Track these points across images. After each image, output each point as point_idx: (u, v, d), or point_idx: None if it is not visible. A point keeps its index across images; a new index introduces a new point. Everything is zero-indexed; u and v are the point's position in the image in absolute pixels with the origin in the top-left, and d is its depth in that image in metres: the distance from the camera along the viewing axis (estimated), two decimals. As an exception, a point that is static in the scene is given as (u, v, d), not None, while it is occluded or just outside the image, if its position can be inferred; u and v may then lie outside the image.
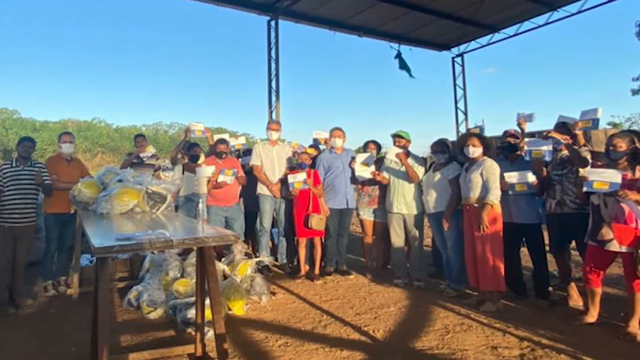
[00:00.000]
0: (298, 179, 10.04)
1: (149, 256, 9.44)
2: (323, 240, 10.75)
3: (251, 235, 12.03)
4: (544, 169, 8.31)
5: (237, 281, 8.68)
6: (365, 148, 10.93)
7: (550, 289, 8.70)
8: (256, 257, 10.39)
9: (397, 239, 9.99)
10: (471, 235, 8.32)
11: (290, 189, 10.08)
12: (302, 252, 10.53)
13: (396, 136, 10.10)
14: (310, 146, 11.70)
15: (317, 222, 10.05)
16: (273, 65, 21.44)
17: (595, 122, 7.93)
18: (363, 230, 10.92)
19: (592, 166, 7.39)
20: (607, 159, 7.10)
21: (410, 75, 24.83)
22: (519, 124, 8.90)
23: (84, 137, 61.44)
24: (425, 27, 23.42)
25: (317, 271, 10.44)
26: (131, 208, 6.79)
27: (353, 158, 10.56)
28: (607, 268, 7.27)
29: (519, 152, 8.83)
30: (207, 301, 5.81)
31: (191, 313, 7.09)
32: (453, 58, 28.05)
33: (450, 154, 9.30)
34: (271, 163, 10.88)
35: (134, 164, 11.30)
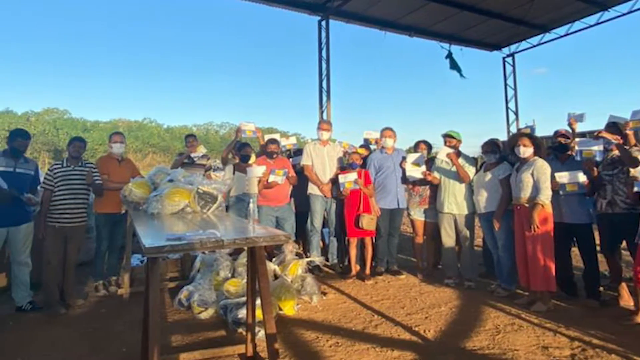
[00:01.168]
0: (349, 179, 9.97)
1: (200, 256, 9.47)
2: (374, 240, 10.66)
3: (302, 235, 11.92)
4: (595, 169, 8.22)
5: (288, 281, 8.69)
6: (416, 148, 10.90)
7: (601, 289, 8.63)
8: (307, 257, 10.31)
9: (448, 239, 9.95)
10: (522, 235, 8.28)
11: (341, 189, 10.03)
12: (353, 252, 10.47)
13: (447, 136, 10.12)
14: (361, 146, 11.74)
15: (368, 222, 9.99)
16: (324, 65, 21.42)
17: None
18: (414, 230, 10.84)
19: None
20: None
21: (461, 75, 24.76)
22: (569, 124, 8.83)
23: (134, 137, 61.77)
24: (475, 27, 23.33)
25: (367, 271, 10.37)
26: (182, 208, 6.76)
27: (404, 158, 10.56)
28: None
29: (569, 152, 8.73)
30: (258, 301, 5.57)
31: (242, 313, 7.11)
32: (504, 58, 27.89)
33: (501, 154, 9.26)
34: (322, 163, 10.85)
35: (185, 164, 11.33)
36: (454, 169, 9.73)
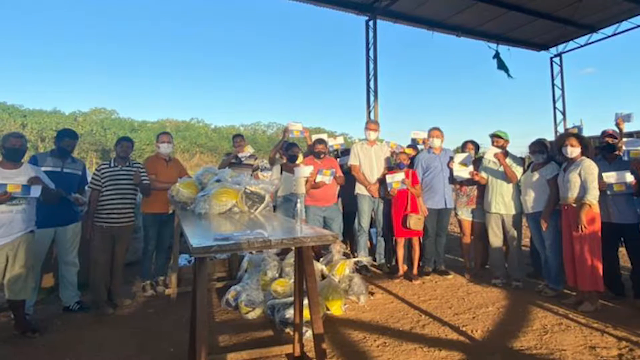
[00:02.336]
0: (396, 179, 9.92)
1: (248, 256, 9.47)
2: (421, 240, 10.60)
3: (349, 235, 11.94)
4: (643, 169, 8.10)
5: (336, 281, 8.64)
6: (463, 148, 10.86)
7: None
8: (354, 257, 10.36)
9: (496, 238, 9.88)
10: (569, 235, 8.19)
11: (389, 189, 9.96)
12: (401, 252, 10.38)
13: (494, 136, 10.01)
14: (409, 146, 11.64)
15: (416, 222, 9.90)
16: (371, 66, 21.44)
17: None
18: (461, 230, 10.81)
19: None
20: None
21: (509, 75, 24.59)
22: (617, 124, 8.80)
23: (182, 137, 62.29)
24: (523, 27, 23.22)
25: (415, 271, 10.32)
26: (229, 208, 6.72)
27: (451, 158, 10.47)
28: None
29: (617, 152, 8.63)
30: (306, 301, 5.75)
31: (289, 313, 7.09)
32: (551, 58, 27.77)
33: (548, 154, 9.16)
34: (369, 163, 10.77)
35: (233, 164, 11.37)
36: (501, 169, 9.63)
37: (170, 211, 9.29)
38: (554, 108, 27.63)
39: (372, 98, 21.30)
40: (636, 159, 8.12)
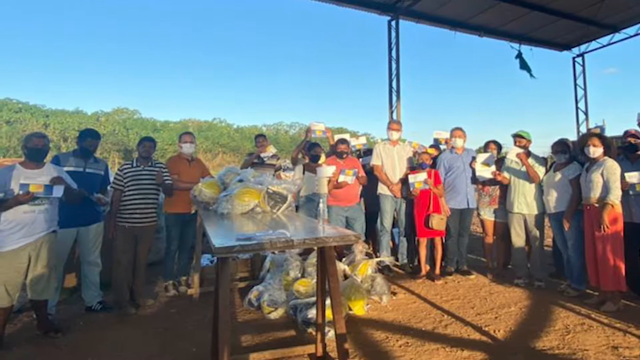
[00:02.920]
0: (419, 179, 9.92)
1: (270, 256, 9.45)
2: (444, 240, 10.54)
3: (372, 235, 11.80)
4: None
5: (358, 281, 8.63)
6: (485, 148, 10.84)
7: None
8: (377, 257, 10.31)
9: (518, 238, 9.86)
10: (592, 235, 8.19)
11: (411, 189, 9.99)
12: (423, 252, 10.38)
13: (517, 136, 9.95)
14: (431, 146, 11.67)
15: (438, 222, 9.90)
16: (394, 65, 21.41)
17: None
18: (484, 230, 10.79)
19: None
20: None
21: (531, 75, 24.50)
22: (639, 124, 8.66)
23: (204, 137, 62.41)
24: (545, 27, 23.11)
25: (437, 271, 10.29)
26: (252, 208, 6.69)
27: (474, 158, 10.44)
28: None
29: (639, 152, 8.53)
30: (328, 301, 5.73)
31: (312, 313, 7.08)
32: (574, 58, 27.61)
33: (571, 154, 9.13)
34: (392, 163, 10.76)
35: (255, 164, 11.37)
36: (523, 169, 9.60)
37: (193, 211, 9.28)
38: (577, 108, 27.56)
39: (394, 98, 21.28)
40: None
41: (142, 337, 7.17)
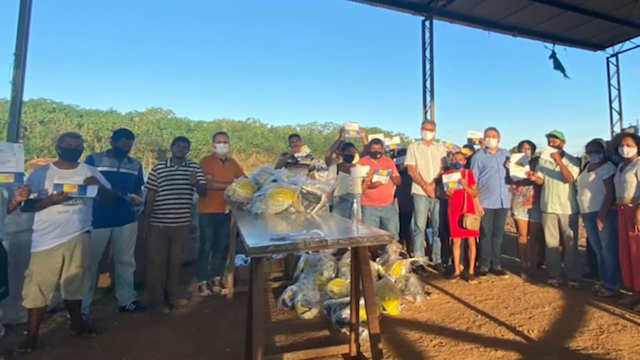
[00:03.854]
0: (452, 179, 9.86)
1: (304, 256, 9.45)
2: (477, 240, 10.49)
3: (406, 235, 11.76)
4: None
5: (392, 281, 8.57)
6: (519, 148, 10.76)
7: None
8: (411, 257, 10.25)
9: (552, 238, 9.79)
10: (626, 235, 8.14)
11: (445, 189, 9.92)
12: (457, 252, 10.32)
13: (551, 136, 9.90)
14: (465, 146, 11.61)
15: (472, 222, 9.84)
16: (427, 65, 21.36)
17: None
18: (517, 230, 10.72)
19: None
20: None
21: (565, 75, 24.32)
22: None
23: (238, 137, 62.49)
24: (579, 27, 22.87)
25: (471, 271, 10.24)
26: (286, 208, 6.65)
27: (507, 158, 10.36)
28: None
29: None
30: (362, 301, 5.75)
31: (346, 313, 7.08)
32: (607, 58, 27.28)
33: (604, 154, 9.08)
34: (426, 163, 10.72)
35: (289, 164, 11.31)
36: (557, 169, 9.53)
37: (227, 211, 9.24)
38: (610, 108, 27.33)
39: (428, 98, 21.22)
40: None
41: (176, 337, 7.15)
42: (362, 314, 5.93)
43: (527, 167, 9.93)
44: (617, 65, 27.27)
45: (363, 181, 9.59)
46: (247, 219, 6.41)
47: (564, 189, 9.54)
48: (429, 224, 11.22)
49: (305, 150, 11.86)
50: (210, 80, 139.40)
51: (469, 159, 10.78)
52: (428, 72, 21.30)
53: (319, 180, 9.42)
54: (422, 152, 10.79)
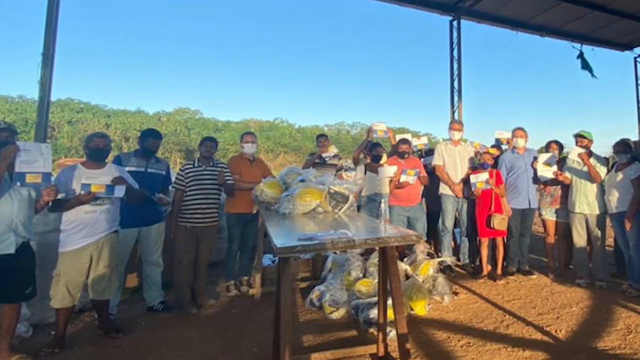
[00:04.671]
0: (480, 179, 9.81)
1: (331, 256, 9.40)
2: (505, 240, 10.45)
3: (433, 235, 11.82)
4: None
5: (420, 281, 8.53)
6: (547, 148, 10.69)
7: None
8: (438, 257, 10.18)
9: (580, 238, 9.71)
10: (654, 234, 8.12)
11: (473, 189, 9.87)
12: (485, 252, 10.31)
13: (578, 136, 9.91)
14: (493, 146, 11.54)
15: (500, 222, 9.80)
16: (455, 65, 21.27)
17: None
18: (545, 230, 10.62)
19: None
20: None
21: (593, 75, 24.16)
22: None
23: (266, 137, 62.58)
24: (607, 27, 22.61)
25: (499, 271, 10.21)
26: (313, 208, 6.65)
27: (535, 158, 10.33)
28: None
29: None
30: (390, 301, 5.56)
31: (373, 313, 7.03)
32: (635, 58, 26.86)
33: (632, 154, 9.05)
34: (453, 163, 10.66)
35: (317, 164, 11.30)
36: (585, 169, 9.47)
37: (254, 211, 9.16)
38: (638, 108, 27.11)
39: (456, 98, 21.18)
40: None
41: (203, 337, 7.12)
42: (390, 313, 5.76)
43: (555, 167, 9.88)
44: (645, 66, 26.94)
45: (391, 181, 9.66)
46: (275, 219, 6.41)
47: (591, 189, 9.48)
48: (456, 224, 11.14)
49: (332, 150, 11.85)
50: (238, 80, 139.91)
51: (496, 159, 10.72)
52: (455, 72, 21.21)
53: (347, 180, 9.29)
54: (449, 152, 10.73)
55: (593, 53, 24.63)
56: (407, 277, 8.77)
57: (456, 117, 20.59)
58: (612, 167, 9.55)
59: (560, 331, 7.06)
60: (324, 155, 11.62)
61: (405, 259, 9.30)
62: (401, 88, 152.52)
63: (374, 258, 8.55)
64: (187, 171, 8.49)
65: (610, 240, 10.68)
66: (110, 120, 59.32)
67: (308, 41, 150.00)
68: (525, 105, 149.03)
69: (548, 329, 7.18)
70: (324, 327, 7.46)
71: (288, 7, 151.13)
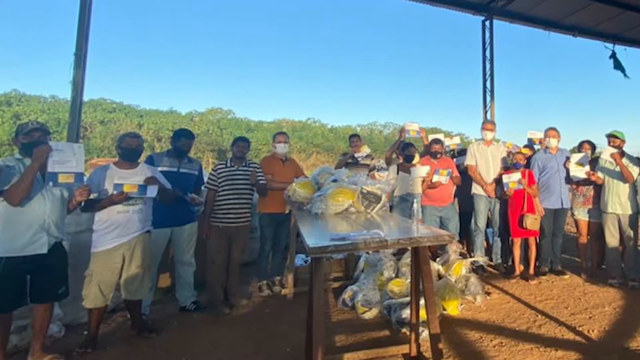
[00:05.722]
0: (513, 179, 9.71)
1: (364, 256, 9.31)
2: (537, 240, 10.35)
3: (466, 235, 11.71)
4: None
5: (452, 281, 8.50)
6: (579, 148, 10.57)
7: None
8: (471, 257, 10.10)
9: (612, 238, 9.57)
10: (686, 234, 8.11)
11: (505, 189, 9.77)
12: (517, 252, 10.22)
13: (611, 136, 9.75)
14: (525, 146, 11.41)
15: (532, 222, 9.68)
16: (487, 65, 21.20)
17: None
18: (577, 230, 10.52)
19: None
20: None
21: (625, 75, 24.01)
22: None
23: (298, 137, 62.58)
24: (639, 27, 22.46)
25: (531, 271, 10.09)
26: (346, 208, 6.63)
27: (568, 158, 10.22)
28: None
29: None
30: (422, 301, 5.56)
31: (406, 313, 6.97)
32: (667, 58, 26.85)
33: (665, 154, 8.71)
34: (486, 163, 10.57)
35: (349, 164, 11.28)
36: (617, 168, 9.32)
37: (287, 211, 9.12)
38: (671, 107, 27.02)
39: (488, 98, 21.13)
40: None
41: (235, 337, 7.09)
42: (422, 314, 5.75)
43: (587, 167, 9.78)
44: (677, 65, 26.72)
45: (423, 181, 9.62)
46: (307, 218, 6.43)
47: (624, 189, 9.37)
48: (489, 224, 11.05)
49: (365, 150, 11.80)
50: (271, 80, 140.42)
51: (529, 159, 10.60)
52: (488, 72, 21.15)
53: (379, 180, 9.31)
54: (482, 152, 10.65)
55: (625, 53, 24.44)
56: (440, 277, 8.74)
57: (488, 117, 20.56)
58: (644, 167, 9.43)
59: (593, 331, 7.00)
60: (356, 155, 11.57)
61: (437, 259, 9.26)
62: (434, 88, 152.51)
63: (407, 258, 8.47)
64: (219, 171, 8.46)
65: (643, 240, 10.63)
66: (142, 120, 59.52)
67: (341, 41, 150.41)
68: (557, 105, 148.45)
69: (580, 329, 7.13)
70: (356, 327, 7.40)
71: (321, 7, 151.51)
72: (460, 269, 8.88)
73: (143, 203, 6.89)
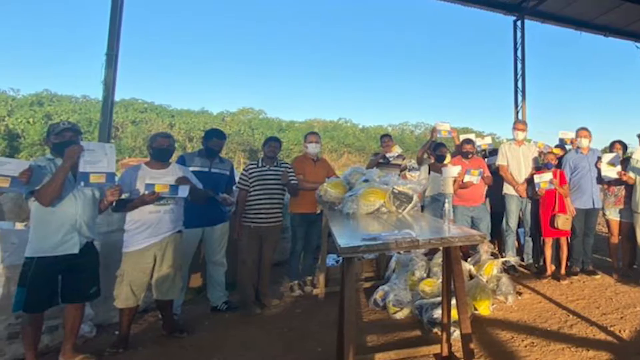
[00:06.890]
0: (544, 179, 9.65)
1: (395, 256, 9.21)
2: (569, 240, 10.25)
3: (497, 236, 11.62)
4: None
5: (483, 281, 8.39)
6: (611, 148, 10.50)
7: None
8: (502, 257, 10.03)
9: (643, 238, 9.30)
10: None
11: (537, 189, 9.70)
12: (548, 252, 10.07)
13: None
14: (557, 146, 11.28)
15: (564, 222, 9.58)
16: (519, 65, 21.23)
17: None
18: (609, 230, 10.43)
19: None
20: None
21: (656, 75, 24.00)
22: None
23: (330, 137, 63.00)
24: (670, 27, 22.13)
25: (563, 271, 9.98)
26: (377, 208, 6.53)
27: (599, 158, 10.08)
28: None
29: None
30: (453, 301, 5.63)
31: (437, 313, 6.91)
32: (699, 58, 26.61)
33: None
34: (517, 163, 10.48)
35: (380, 164, 11.18)
36: (649, 169, 8.99)
37: (318, 211, 9.09)
38: (703, 108, 26.82)
39: (519, 98, 21.14)
40: None
41: (267, 337, 7.06)
42: (454, 314, 5.82)
43: (619, 167, 9.66)
44: None
45: (454, 181, 9.65)
46: (339, 218, 6.40)
47: (655, 189, 9.13)
48: (520, 224, 10.97)
49: (396, 150, 11.73)
50: (302, 81, 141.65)
51: (560, 159, 10.50)
52: (519, 72, 21.18)
53: (411, 180, 9.33)
54: (513, 152, 10.56)
55: (656, 53, 24.13)
56: (471, 277, 8.66)
57: (520, 117, 20.59)
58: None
59: (624, 331, 6.95)
60: (387, 155, 11.51)
61: (469, 259, 9.18)
62: (465, 88, 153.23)
63: (438, 258, 8.37)
64: (250, 171, 8.41)
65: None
66: (174, 120, 60.14)
67: (372, 42, 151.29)
68: (589, 105, 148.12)
69: (612, 329, 7.07)
70: (387, 327, 7.34)
71: (353, 8, 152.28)
72: (491, 269, 8.80)
73: (174, 203, 6.85)
